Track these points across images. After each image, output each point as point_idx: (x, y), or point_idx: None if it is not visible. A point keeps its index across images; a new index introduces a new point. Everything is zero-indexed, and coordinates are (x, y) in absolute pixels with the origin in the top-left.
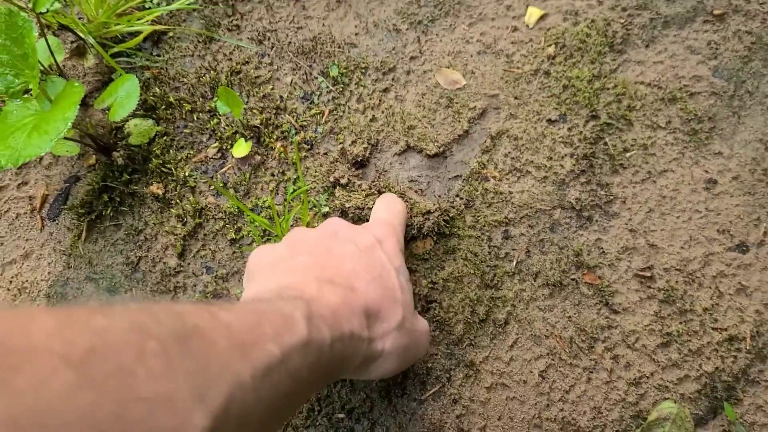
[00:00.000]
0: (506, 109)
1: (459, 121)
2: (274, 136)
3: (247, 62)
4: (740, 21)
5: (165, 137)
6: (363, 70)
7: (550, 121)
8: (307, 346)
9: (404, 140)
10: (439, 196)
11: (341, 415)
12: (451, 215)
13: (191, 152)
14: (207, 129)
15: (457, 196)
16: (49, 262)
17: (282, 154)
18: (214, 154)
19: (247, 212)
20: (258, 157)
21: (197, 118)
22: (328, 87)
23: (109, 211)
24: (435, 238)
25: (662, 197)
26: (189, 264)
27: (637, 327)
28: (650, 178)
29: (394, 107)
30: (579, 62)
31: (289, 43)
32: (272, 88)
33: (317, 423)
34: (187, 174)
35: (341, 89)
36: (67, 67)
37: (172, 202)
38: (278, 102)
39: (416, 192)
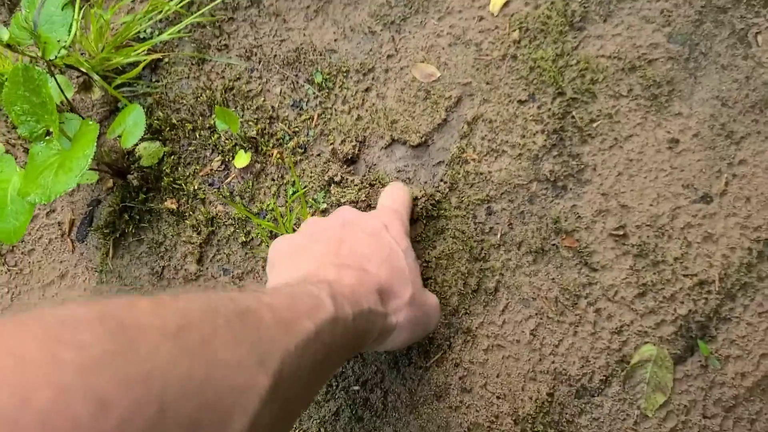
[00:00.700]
0: (479, 95)
1: (437, 111)
2: (271, 144)
3: (239, 78)
4: None
5: (172, 156)
6: (345, 74)
7: (520, 101)
8: (334, 321)
9: (389, 134)
10: (425, 183)
11: (356, 388)
12: (437, 199)
13: (197, 167)
14: (209, 145)
15: (442, 180)
16: (83, 280)
17: (279, 160)
18: (218, 167)
19: (253, 218)
20: (258, 165)
21: (199, 135)
22: (314, 93)
23: (131, 229)
24: (424, 221)
25: (629, 161)
26: (207, 268)
27: (615, 281)
28: (617, 144)
29: (376, 105)
30: (542, 43)
31: (275, 56)
32: (264, 100)
33: (336, 396)
34: (196, 187)
35: (327, 93)
36: (76, 101)
37: (186, 214)
38: (271, 112)
39: (404, 181)
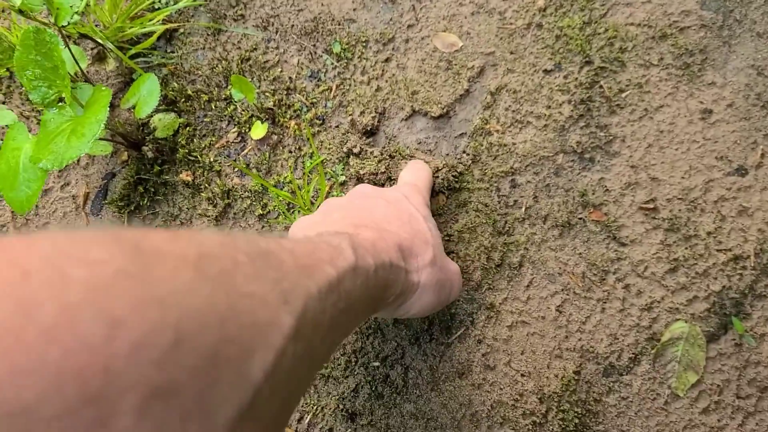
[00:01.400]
0: (503, 65)
1: (459, 82)
2: (288, 116)
3: (255, 49)
4: None
5: (188, 128)
6: (364, 44)
7: (546, 71)
8: (355, 270)
9: (409, 105)
10: (447, 154)
11: (376, 364)
12: (459, 171)
13: (213, 139)
14: (225, 116)
15: (464, 152)
16: None
17: (296, 132)
18: (235, 139)
19: (271, 188)
20: (275, 137)
21: (215, 106)
22: (333, 63)
23: (145, 202)
24: (447, 193)
25: (660, 132)
26: None
27: (645, 256)
28: (647, 114)
29: (396, 75)
30: (569, 11)
31: (292, 26)
32: (281, 71)
33: (355, 372)
34: (212, 159)
35: (345, 64)
36: (90, 73)
37: (202, 186)
38: (288, 83)
39: (425, 153)
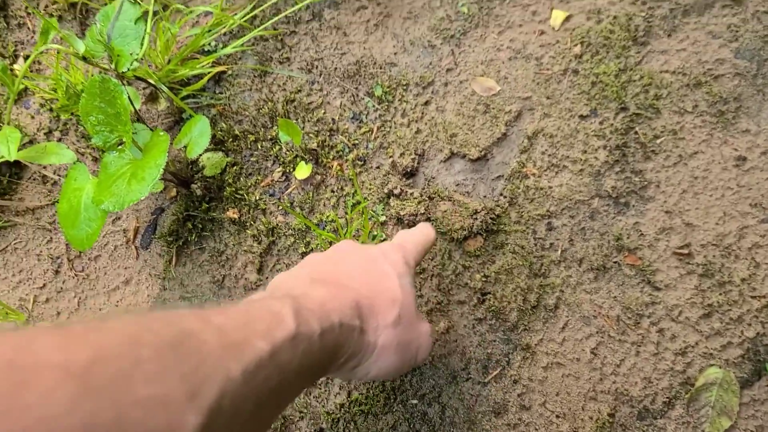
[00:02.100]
0: (540, 110)
1: (497, 125)
2: (331, 156)
3: (300, 90)
4: (758, 2)
5: (235, 167)
6: (404, 87)
7: (582, 116)
8: (295, 338)
9: (448, 148)
10: (485, 197)
11: (414, 401)
12: (497, 213)
13: (259, 178)
14: (270, 156)
15: (501, 194)
16: (146, 286)
17: (339, 172)
18: (279, 178)
19: (314, 228)
20: (318, 177)
21: (261, 146)
22: (374, 106)
23: (193, 237)
24: (484, 235)
25: (694, 178)
26: (267, 278)
27: (679, 301)
28: (681, 161)
29: (435, 118)
30: (605, 58)
31: (335, 68)
32: (324, 112)
33: (394, 409)
34: (257, 198)
35: (386, 106)
36: (142, 111)
37: (247, 224)
38: (331, 124)
39: (462, 194)
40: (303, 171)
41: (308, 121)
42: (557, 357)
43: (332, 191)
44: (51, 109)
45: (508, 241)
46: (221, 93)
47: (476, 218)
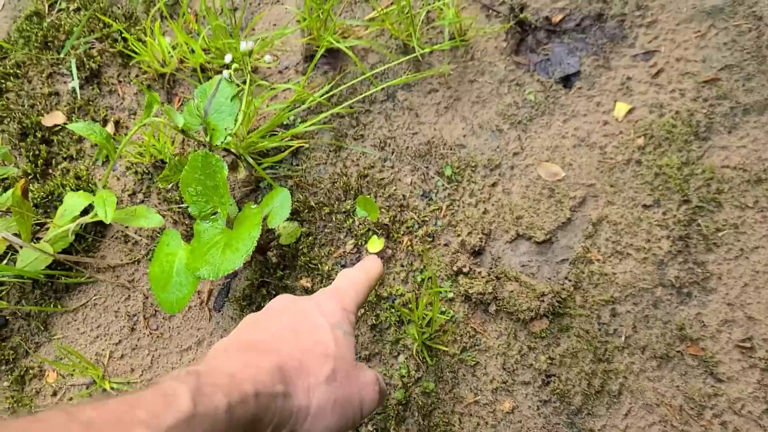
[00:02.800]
0: (604, 197)
1: (561, 210)
2: (401, 231)
3: (373, 166)
4: None
5: (309, 237)
6: (473, 168)
7: (645, 206)
8: (193, 419)
9: (514, 229)
10: (549, 279)
11: None
12: (562, 296)
13: (332, 248)
14: (344, 228)
15: (566, 278)
16: None
17: (409, 247)
18: (351, 250)
19: (383, 302)
20: (389, 251)
21: (335, 218)
22: (443, 185)
23: (266, 302)
24: (550, 317)
25: (756, 272)
26: None
27: (741, 394)
28: (743, 254)
29: (502, 200)
30: (667, 151)
31: (407, 147)
32: (395, 189)
33: None
34: (329, 268)
35: (455, 186)
36: None
37: None
38: (401, 200)
39: (528, 276)
40: (375, 244)
41: (380, 196)
42: None
43: (402, 266)
44: (136, 172)
45: (573, 324)
46: (298, 165)
47: (543, 300)
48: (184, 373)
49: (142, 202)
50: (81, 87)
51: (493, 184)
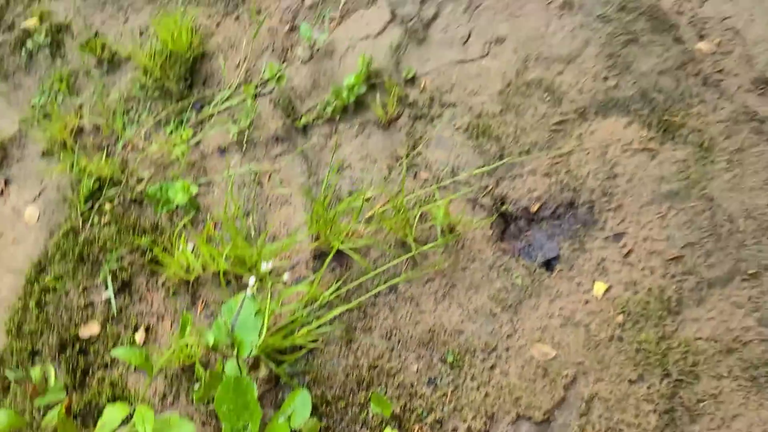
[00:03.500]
0: (593, 374)
1: (556, 388)
2: (412, 420)
3: (381, 357)
4: None
5: (327, 431)
6: (472, 353)
7: (631, 381)
8: None
9: (514, 410)
10: None
11: None
12: None
13: None
14: (359, 420)
15: None
16: None
17: None
18: None
19: None
20: None
21: (350, 411)
22: (447, 371)
23: None
24: None
25: None
26: None
27: None
28: (724, 424)
29: (501, 381)
30: (645, 327)
31: (411, 336)
32: (404, 377)
33: None
34: None
35: (458, 371)
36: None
37: None
38: (410, 388)
39: None
40: None
41: (390, 386)
42: None
43: None
44: (166, 376)
45: None
46: (313, 360)
47: None
48: None
49: (173, 404)
50: (114, 296)
51: (492, 367)
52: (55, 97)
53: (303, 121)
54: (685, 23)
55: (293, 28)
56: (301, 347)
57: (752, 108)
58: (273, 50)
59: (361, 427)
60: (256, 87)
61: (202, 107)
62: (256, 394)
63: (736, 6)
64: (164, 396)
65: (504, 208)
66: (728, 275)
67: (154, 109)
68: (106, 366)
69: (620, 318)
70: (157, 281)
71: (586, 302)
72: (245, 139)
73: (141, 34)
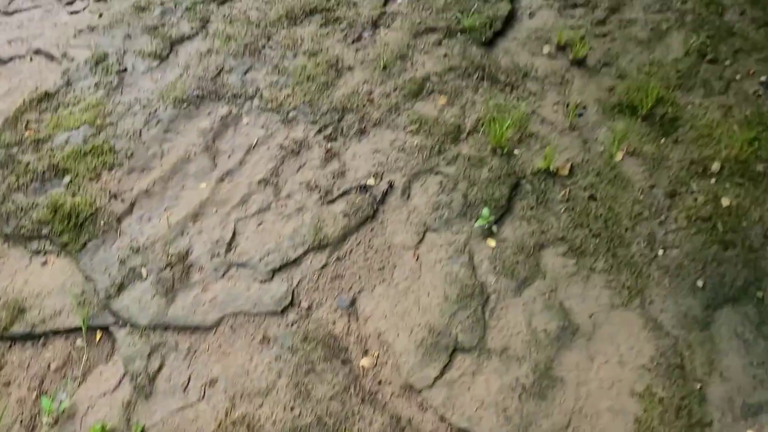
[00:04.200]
0: None
1: None
2: None
3: None
4: None
5: None
6: None
7: None
8: None
9: None
10: None
11: None
12: None
13: None
14: None
15: None
16: None
17: None
18: None
19: None
20: None
21: None
22: None
23: None
24: None
25: None
26: None
27: None
28: None
29: None
30: None
31: None
32: None
33: None
34: None
35: None
36: None
37: None
38: None
39: None
40: None
41: None
42: None
43: None
44: None
45: None
46: None
47: None
48: None
49: None
50: None
51: None
52: None
53: None
54: (353, 342)
55: (41, 394)
56: None
57: (400, 413)
58: (21, 421)
59: None
60: None
61: None
62: None
63: (386, 321)
64: None
65: None
66: None
67: None
68: None
69: None
70: None
71: None
72: None
73: None
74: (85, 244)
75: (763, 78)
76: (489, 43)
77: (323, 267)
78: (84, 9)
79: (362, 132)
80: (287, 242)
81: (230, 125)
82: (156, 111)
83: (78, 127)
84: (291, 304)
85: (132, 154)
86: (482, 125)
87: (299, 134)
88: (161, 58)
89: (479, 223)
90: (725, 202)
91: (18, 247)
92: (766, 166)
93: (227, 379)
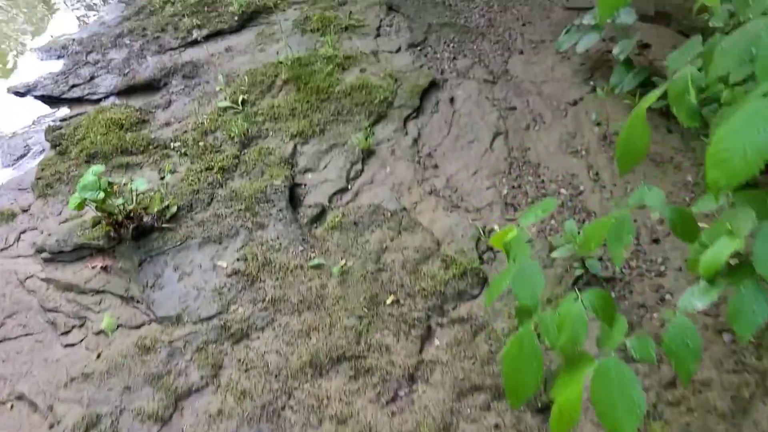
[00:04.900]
0: None
1: None
2: None
3: None
4: None
5: None
6: None
7: None
8: None
9: None
10: None
11: None
12: None
13: None
14: None
15: None
16: None
17: None
18: None
19: None
20: None
21: None
22: None
23: None
24: None
25: None
26: None
27: None
28: None
29: None
30: None
31: None
32: None
33: None
34: None
35: None
36: None
37: None
38: None
39: None
40: None
41: None
42: None
43: None
44: None
45: None
46: None
47: None
48: None
49: None
50: None
51: None
52: None
53: None
54: None
55: None
56: None
57: None
58: None
59: None
60: None
61: None
62: None
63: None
64: None
65: None
66: None
67: None
68: None
69: None
70: None
71: None
72: None
73: None
74: None
75: None
76: (545, 409)
77: None
78: (81, 341)
79: None
80: None
81: None
82: None
83: None
84: None
85: None
86: None
87: None
88: (163, 420)
89: None
90: None
91: None
92: None
93: None
